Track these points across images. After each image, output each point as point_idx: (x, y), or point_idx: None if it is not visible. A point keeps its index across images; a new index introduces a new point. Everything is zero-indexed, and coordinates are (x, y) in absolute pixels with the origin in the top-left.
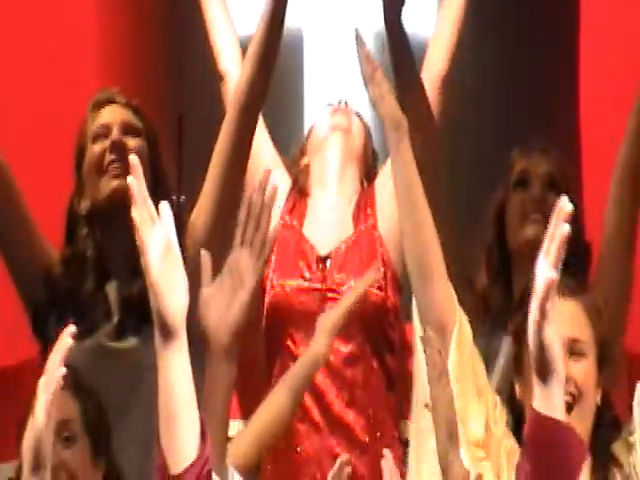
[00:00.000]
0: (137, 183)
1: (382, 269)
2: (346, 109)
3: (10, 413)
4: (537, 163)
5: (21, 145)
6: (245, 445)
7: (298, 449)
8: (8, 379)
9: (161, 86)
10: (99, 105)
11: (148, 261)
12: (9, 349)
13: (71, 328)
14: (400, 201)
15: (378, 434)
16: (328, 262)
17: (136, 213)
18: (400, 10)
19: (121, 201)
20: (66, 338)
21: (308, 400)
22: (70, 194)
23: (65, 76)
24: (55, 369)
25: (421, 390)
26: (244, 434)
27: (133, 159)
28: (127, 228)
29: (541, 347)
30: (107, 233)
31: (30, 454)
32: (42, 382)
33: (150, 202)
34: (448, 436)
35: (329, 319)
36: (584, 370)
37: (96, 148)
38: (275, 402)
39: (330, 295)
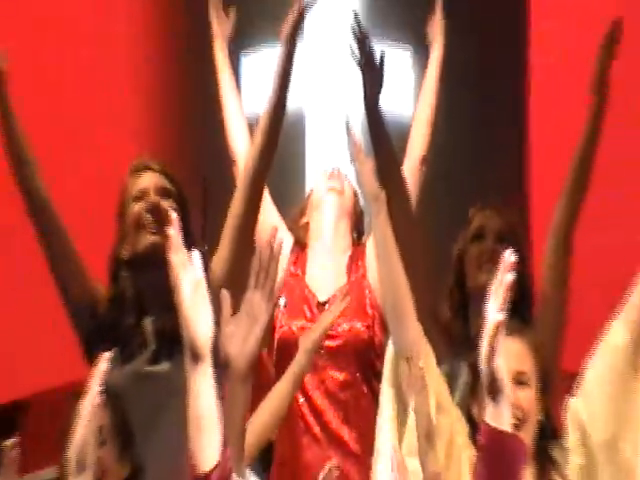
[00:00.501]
0: (175, 234)
1: (371, 311)
2: (339, 174)
3: (53, 427)
4: (490, 219)
5: (66, 200)
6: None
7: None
8: (55, 398)
9: (188, 152)
10: (138, 171)
11: (182, 297)
12: (59, 371)
13: (106, 355)
14: (378, 258)
15: (367, 447)
16: (326, 306)
17: (173, 258)
18: (378, 98)
19: (156, 252)
20: (103, 363)
21: (310, 418)
22: (112, 243)
23: (105, 142)
24: (94, 389)
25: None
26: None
27: (173, 216)
28: (161, 272)
29: (492, 376)
30: (143, 276)
31: (75, 457)
32: (85, 400)
33: (184, 250)
34: (425, 439)
35: (309, 339)
36: (528, 397)
37: (136, 208)
38: (263, 411)
39: (328, 333)
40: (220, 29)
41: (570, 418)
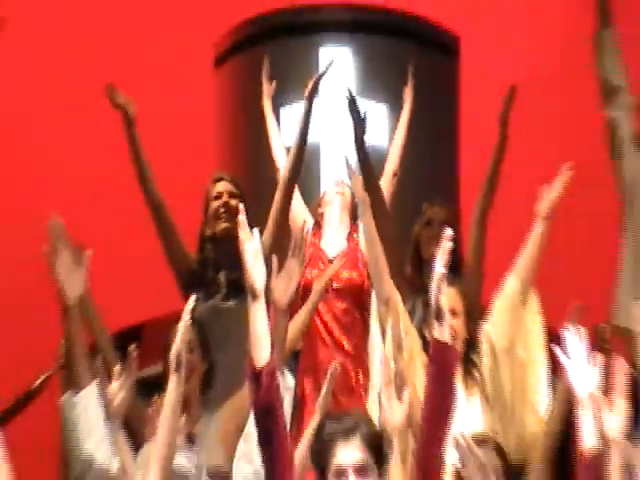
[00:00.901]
0: (242, 219)
1: (362, 267)
2: (342, 183)
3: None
4: (437, 213)
5: (171, 201)
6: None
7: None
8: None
9: (248, 168)
10: (216, 181)
11: (246, 259)
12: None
13: (194, 296)
14: (365, 239)
15: (358, 349)
16: (334, 261)
17: (241, 234)
18: (363, 139)
19: (227, 233)
20: (191, 301)
21: (323, 332)
22: (200, 227)
23: (193, 164)
24: (186, 316)
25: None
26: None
27: (241, 207)
28: (231, 244)
29: (437, 307)
30: (219, 247)
31: (174, 359)
32: (181, 323)
33: (248, 229)
34: (397, 348)
35: (320, 282)
36: (458, 324)
37: (214, 204)
38: (292, 329)
39: (335, 279)
40: (267, 90)
41: (483, 335)
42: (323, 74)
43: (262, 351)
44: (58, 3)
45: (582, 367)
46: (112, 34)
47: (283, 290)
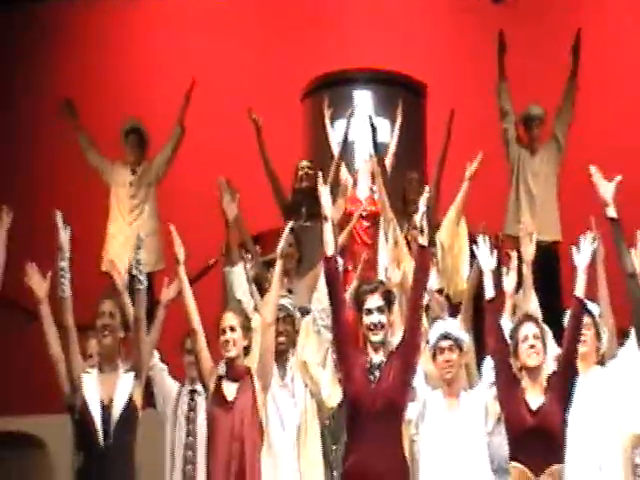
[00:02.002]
0: (320, 179)
1: (377, 204)
2: (367, 160)
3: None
4: (414, 176)
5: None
6: None
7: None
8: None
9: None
10: (302, 161)
11: (322, 197)
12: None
13: (291, 222)
14: (378, 190)
15: (375, 245)
16: (363, 202)
17: (319, 185)
18: (376, 138)
19: (307, 188)
20: (290, 224)
21: (357, 237)
22: (292, 184)
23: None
24: (287, 228)
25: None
26: None
27: (319, 174)
28: (309, 194)
29: (421, 224)
30: (302, 194)
31: (280, 250)
32: (285, 232)
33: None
34: (395, 244)
35: (356, 213)
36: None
37: (300, 173)
38: (343, 234)
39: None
40: (327, 113)
41: (437, 238)
42: (355, 106)
43: (330, 247)
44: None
45: (486, 256)
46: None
47: (337, 215)
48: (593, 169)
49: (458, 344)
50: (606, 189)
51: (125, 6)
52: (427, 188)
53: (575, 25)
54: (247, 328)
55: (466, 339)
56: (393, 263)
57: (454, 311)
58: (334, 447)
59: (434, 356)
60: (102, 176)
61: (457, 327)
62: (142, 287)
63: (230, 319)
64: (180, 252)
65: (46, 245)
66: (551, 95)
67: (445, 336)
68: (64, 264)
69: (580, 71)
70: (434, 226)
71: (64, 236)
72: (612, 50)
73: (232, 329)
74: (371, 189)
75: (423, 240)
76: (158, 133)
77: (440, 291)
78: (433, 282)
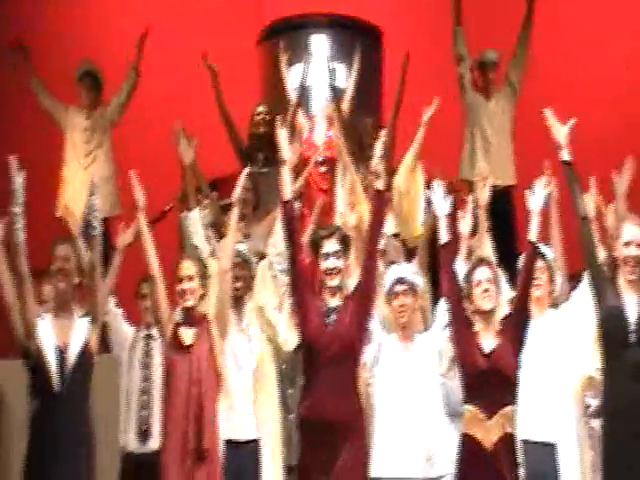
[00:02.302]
0: (278, 122)
1: (333, 148)
2: (324, 106)
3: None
4: (370, 121)
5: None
6: None
7: None
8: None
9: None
10: (258, 105)
11: (280, 141)
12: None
13: (247, 169)
14: (335, 134)
15: (331, 190)
16: (319, 146)
17: (278, 129)
18: (334, 82)
19: (264, 134)
20: (246, 170)
21: (313, 183)
22: (249, 128)
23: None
24: (244, 174)
25: None
26: None
27: (278, 120)
28: (266, 139)
29: (377, 172)
30: (259, 140)
31: (237, 196)
32: (241, 178)
33: (281, 129)
34: (351, 189)
35: (313, 158)
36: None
37: (257, 118)
38: (299, 179)
39: None
40: (283, 59)
41: (394, 183)
42: (312, 51)
43: (287, 191)
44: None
45: (440, 201)
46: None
47: (293, 159)
48: (548, 112)
49: (413, 288)
50: (560, 132)
51: None
52: (383, 133)
53: None
54: (204, 276)
55: (420, 283)
56: (348, 207)
57: (410, 255)
58: (290, 391)
59: (389, 300)
60: (56, 121)
61: (412, 272)
62: (97, 232)
63: (188, 268)
64: (140, 198)
65: (0, 190)
66: (506, 40)
67: (400, 281)
68: (18, 209)
69: (535, 16)
70: (391, 171)
71: (18, 181)
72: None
73: (190, 278)
74: (327, 134)
75: (379, 184)
76: (114, 77)
77: (396, 235)
78: (389, 227)
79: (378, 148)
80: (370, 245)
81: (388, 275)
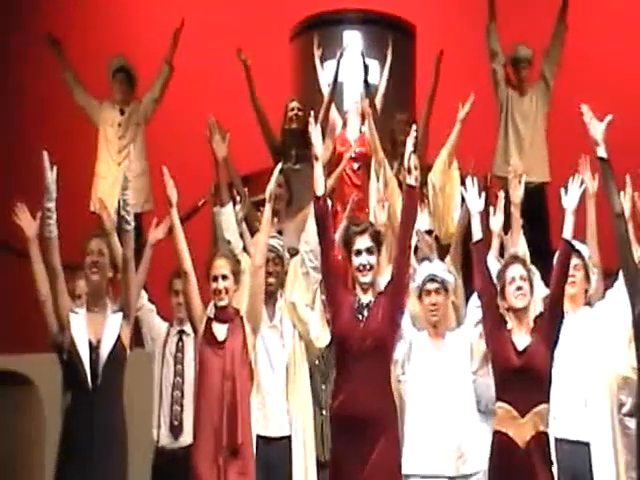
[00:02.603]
0: (312, 121)
1: (367, 145)
2: (356, 102)
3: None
4: (403, 117)
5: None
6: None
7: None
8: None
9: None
10: (291, 101)
11: (313, 138)
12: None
13: (280, 164)
14: (368, 131)
15: (364, 186)
16: (352, 143)
17: (310, 125)
18: (367, 77)
19: (297, 129)
20: (279, 166)
21: (347, 178)
22: (281, 124)
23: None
24: (277, 170)
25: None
26: None
27: (312, 117)
28: (299, 135)
29: (409, 167)
30: (292, 136)
31: (270, 192)
32: (274, 173)
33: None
34: (384, 185)
35: (347, 154)
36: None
37: (290, 114)
38: (334, 175)
39: None
40: (317, 53)
41: (429, 179)
42: (345, 47)
43: (319, 188)
44: None
45: (474, 198)
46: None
47: (326, 155)
48: (584, 108)
49: (444, 286)
50: (596, 128)
51: None
52: (414, 128)
53: None
54: (238, 273)
55: (452, 280)
56: (379, 204)
57: (443, 252)
58: (323, 387)
59: (420, 297)
60: (90, 116)
61: (443, 269)
62: (130, 227)
63: (222, 267)
64: (173, 194)
65: (35, 185)
66: (540, 36)
67: (431, 278)
68: (51, 205)
69: (569, 11)
70: (425, 167)
71: (50, 177)
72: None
73: (224, 277)
74: (360, 130)
75: (411, 180)
76: (147, 72)
77: (430, 232)
78: (423, 223)
79: (409, 144)
80: (402, 241)
81: (419, 272)
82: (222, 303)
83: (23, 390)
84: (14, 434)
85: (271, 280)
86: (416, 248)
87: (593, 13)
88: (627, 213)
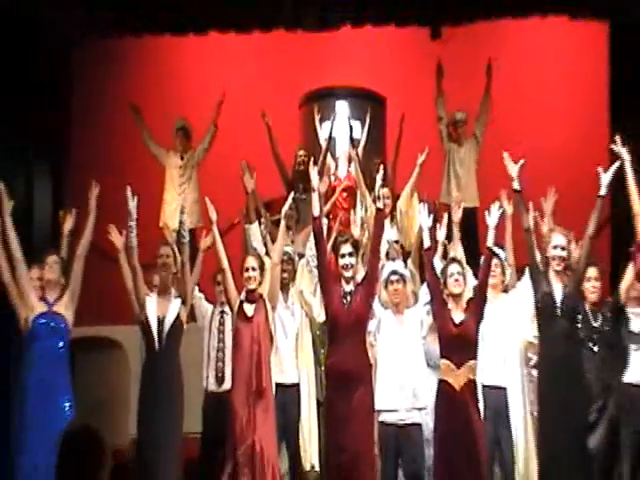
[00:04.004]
0: (312, 164)
1: (354, 181)
2: (345, 151)
3: None
4: (375, 165)
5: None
6: None
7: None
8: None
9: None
10: (299, 149)
11: (312, 177)
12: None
13: (292, 194)
14: (355, 170)
15: (350, 208)
16: (343, 180)
17: (311, 170)
18: (352, 136)
19: (304, 172)
20: (291, 196)
21: (338, 204)
22: (292, 167)
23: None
24: (290, 197)
25: None
26: None
27: (311, 162)
28: (304, 174)
29: (377, 196)
30: (300, 174)
31: (285, 213)
32: (288, 200)
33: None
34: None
35: (338, 189)
36: (390, 202)
37: (299, 159)
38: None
39: None
40: (316, 117)
41: (398, 205)
42: (336, 113)
43: (316, 210)
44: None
45: (425, 218)
46: None
47: (323, 188)
48: (505, 155)
49: (403, 278)
50: (512, 169)
51: (177, 43)
52: (382, 169)
53: (488, 54)
54: (262, 268)
55: (409, 274)
56: (354, 223)
57: (406, 256)
58: (322, 351)
59: (386, 286)
60: (159, 161)
61: (402, 266)
62: (185, 240)
63: (252, 262)
64: (213, 215)
65: (122, 210)
66: (473, 104)
67: (394, 272)
68: (132, 224)
69: (493, 87)
70: (395, 197)
71: (132, 204)
72: (513, 74)
73: (253, 269)
74: (348, 170)
75: (379, 205)
76: (200, 130)
77: (397, 242)
78: (392, 235)
79: (379, 180)
80: (373, 247)
81: (385, 269)
82: (251, 287)
83: (115, 352)
84: (109, 384)
85: (285, 275)
86: (387, 253)
87: (510, 89)
88: (531, 227)
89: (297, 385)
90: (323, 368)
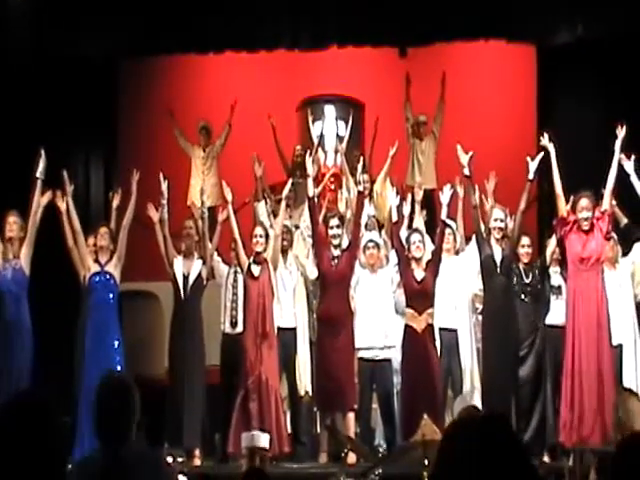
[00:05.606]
0: (308, 156)
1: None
2: (334, 145)
3: None
4: (356, 156)
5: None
6: None
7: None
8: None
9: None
10: (298, 146)
11: (307, 164)
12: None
13: (290, 180)
14: (341, 162)
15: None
16: (331, 167)
17: (307, 159)
18: (338, 134)
19: (300, 162)
20: (290, 182)
21: (327, 189)
22: (292, 158)
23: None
24: (289, 183)
25: None
26: None
27: (307, 155)
28: (301, 163)
29: (358, 180)
30: (297, 164)
31: (285, 195)
32: (287, 185)
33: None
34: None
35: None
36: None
37: (297, 152)
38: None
39: None
40: (310, 118)
41: (374, 187)
42: (325, 115)
43: (310, 191)
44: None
45: (393, 197)
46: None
47: (314, 173)
48: (458, 146)
49: (377, 245)
50: (464, 158)
51: (201, 60)
52: (362, 159)
53: (443, 69)
54: (267, 236)
55: (381, 242)
56: (340, 203)
57: (381, 228)
58: (314, 301)
59: (364, 251)
60: (187, 153)
61: (377, 236)
62: (205, 216)
63: (259, 230)
64: (229, 196)
65: (157, 191)
66: (432, 108)
67: (370, 240)
68: (164, 202)
69: (447, 95)
70: (372, 181)
71: (164, 186)
72: (463, 84)
73: (260, 236)
74: (335, 160)
75: (360, 188)
76: (218, 129)
77: (374, 216)
78: (370, 211)
79: (359, 168)
80: (355, 220)
81: (364, 237)
82: (259, 249)
83: (152, 302)
84: (148, 327)
85: (285, 243)
86: (366, 225)
87: (460, 96)
88: (478, 205)
89: (294, 328)
90: (315, 315)
